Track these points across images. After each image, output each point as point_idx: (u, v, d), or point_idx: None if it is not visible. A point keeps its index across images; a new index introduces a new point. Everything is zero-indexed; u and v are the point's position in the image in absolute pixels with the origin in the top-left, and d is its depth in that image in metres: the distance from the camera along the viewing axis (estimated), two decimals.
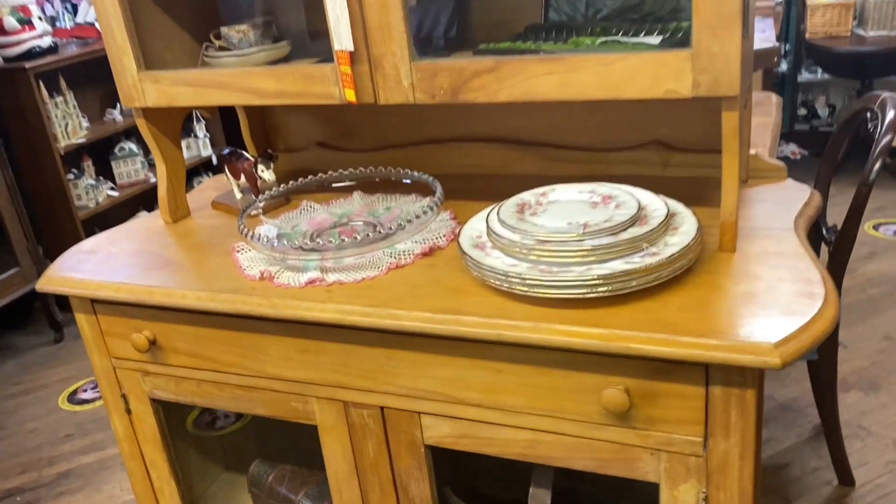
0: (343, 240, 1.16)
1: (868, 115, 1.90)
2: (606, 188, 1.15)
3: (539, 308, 1.00)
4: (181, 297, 1.17)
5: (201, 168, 3.96)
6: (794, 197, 1.24)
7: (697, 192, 1.31)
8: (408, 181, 1.38)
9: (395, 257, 1.18)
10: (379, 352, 1.11)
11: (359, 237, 1.13)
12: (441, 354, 1.07)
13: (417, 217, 1.16)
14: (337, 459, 1.23)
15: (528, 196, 1.16)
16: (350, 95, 1.17)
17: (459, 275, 1.11)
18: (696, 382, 0.94)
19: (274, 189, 1.40)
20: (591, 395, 1.00)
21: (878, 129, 1.79)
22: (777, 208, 1.20)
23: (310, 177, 1.42)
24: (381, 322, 1.05)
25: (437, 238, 1.23)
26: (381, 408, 1.15)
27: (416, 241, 1.21)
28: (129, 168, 3.51)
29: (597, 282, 0.96)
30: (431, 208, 1.19)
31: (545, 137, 1.45)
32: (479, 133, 1.50)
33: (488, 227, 1.09)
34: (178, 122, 1.43)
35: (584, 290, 0.97)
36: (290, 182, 1.41)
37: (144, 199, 3.60)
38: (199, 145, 3.81)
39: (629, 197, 1.11)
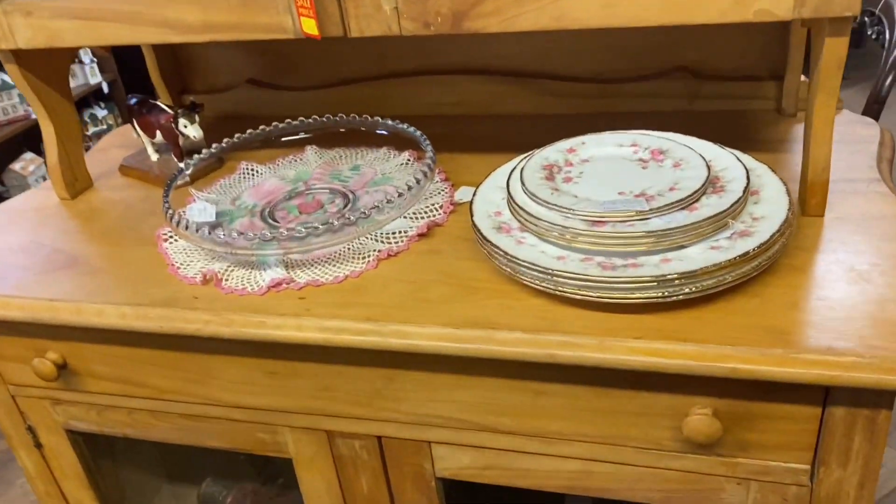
0: (307, 220, 0.87)
1: (867, 19, 1.69)
2: (652, 139, 0.89)
3: (596, 314, 0.74)
4: (96, 313, 0.87)
5: (91, 98, 3.48)
6: (860, 134, 1.01)
7: (737, 130, 1.06)
8: (382, 132, 1.08)
9: (384, 242, 0.90)
10: (375, 373, 0.84)
11: (329, 214, 0.84)
12: (461, 374, 0.81)
13: (409, 188, 0.88)
14: (320, 495, 0.97)
15: (552, 154, 0.89)
16: (310, 27, 0.85)
17: (472, 264, 0.84)
18: (810, 402, 0.72)
19: (204, 151, 1.08)
20: (666, 419, 0.77)
21: (889, 39, 1.59)
22: (848, 151, 0.97)
23: (250, 131, 1.10)
24: (384, 342, 0.78)
25: (432, 211, 0.95)
26: (379, 437, 0.89)
27: (407, 218, 0.93)
28: (5, 103, 3.01)
29: (679, 281, 0.71)
30: (425, 173, 0.91)
31: (542, 66, 1.17)
32: (458, 63, 1.20)
33: (512, 201, 0.82)
34: (64, 67, 1.07)
35: (662, 293, 0.72)
36: (226, 140, 1.09)
37: (29, 139, 3.12)
38: (86, 72, 3.32)
39: (686, 150, 0.86)
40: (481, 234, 0.81)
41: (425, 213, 0.95)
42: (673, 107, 1.14)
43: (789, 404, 0.73)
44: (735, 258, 0.71)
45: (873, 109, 1.51)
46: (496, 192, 0.89)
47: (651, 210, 0.76)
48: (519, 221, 0.81)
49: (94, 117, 3.43)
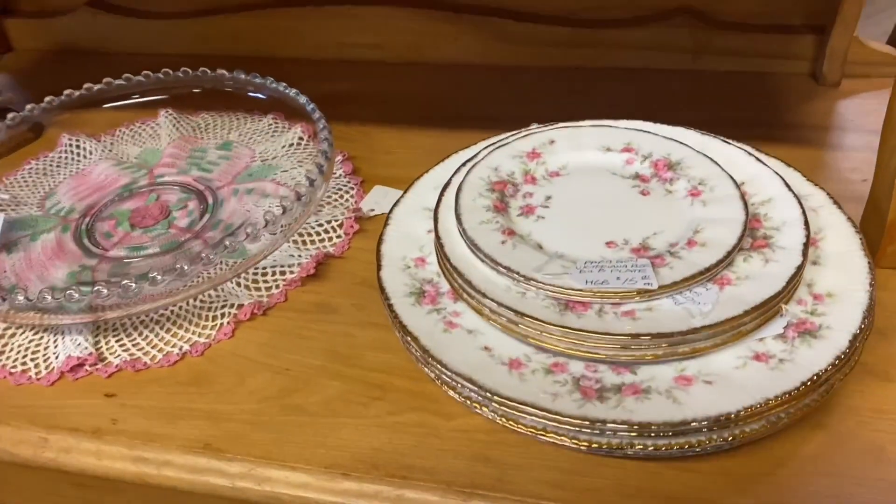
0: (139, 242, 0.56)
1: None
2: (656, 142, 0.59)
3: (573, 462, 0.47)
4: None
5: None
6: None
7: (753, 104, 0.77)
8: (260, 95, 0.76)
9: (246, 288, 0.60)
10: None
11: (173, 233, 0.53)
12: None
13: (299, 198, 0.57)
14: None
15: (505, 161, 0.59)
16: None
17: (380, 335, 0.55)
18: None
19: (11, 115, 0.74)
20: None
21: None
22: None
23: (84, 88, 0.76)
24: (230, 489, 0.49)
25: (326, 231, 0.65)
26: None
27: (285, 250, 0.62)
28: None
29: (709, 430, 0.43)
30: (311, 182, 0.60)
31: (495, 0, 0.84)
32: None
33: (441, 251, 0.53)
34: None
35: (681, 444, 0.44)
36: (47, 100, 0.75)
37: None
38: None
39: (706, 164, 0.57)
40: (391, 308, 0.51)
41: (315, 232, 0.65)
42: (671, 63, 0.83)
43: None
44: (799, 387, 0.44)
45: None
46: (419, 220, 0.59)
47: (662, 288, 0.47)
48: (451, 285, 0.52)
49: None
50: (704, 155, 0.57)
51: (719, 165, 0.56)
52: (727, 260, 0.49)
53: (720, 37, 0.81)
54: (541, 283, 0.48)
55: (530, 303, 0.48)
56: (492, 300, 0.48)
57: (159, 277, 0.52)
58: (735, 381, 0.45)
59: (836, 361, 0.45)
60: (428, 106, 0.82)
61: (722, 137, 0.61)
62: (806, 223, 0.51)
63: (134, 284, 0.52)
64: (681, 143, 0.59)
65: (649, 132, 0.60)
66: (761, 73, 0.81)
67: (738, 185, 0.54)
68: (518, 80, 0.84)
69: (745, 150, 0.59)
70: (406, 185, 0.69)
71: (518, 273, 0.48)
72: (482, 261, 0.50)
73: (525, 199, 0.56)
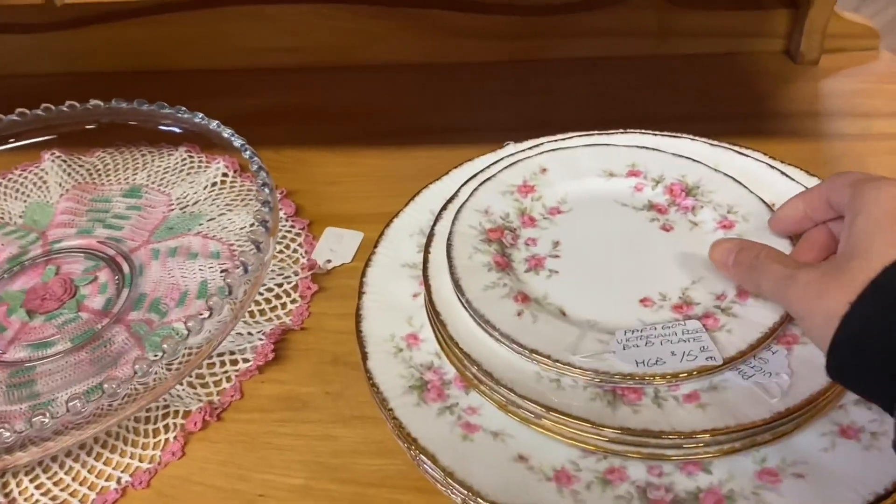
0: (43, 335, 0.44)
1: None
2: (663, 160, 0.50)
3: None
4: None
5: None
6: None
7: (720, 88, 0.69)
8: (174, 128, 0.62)
9: (194, 384, 0.48)
10: None
11: (87, 319, 0.41)
12: None
13: (244, 269, 0.45)
14: None
15: (492, 197, 0.49)
16: None
17: (362, 433, 0.45)
18: None
19: None
20: None
21: None
22: None
23: None
24: None
25: (278, 299, 0.53)
26: None
27: (235, 334, 0.51)
28: None
29: None
30: (258, 245, 0.48)
31: None
32: None
33: (442, 329, 0.42)
34: None
35: None
36: None
37: None
38: None
39: (728, 185, 0.48)
40: (394, 416, 0.41)
41: (264, 300, 0.53)
42: (635, 49, 0.74)
43: None
44: None
45: None
46: (400, 283, 0.48)
47: (728, 361, 0.38)
48: (461, 373, 0.42)
49: None
50: (724, 174, 0.49)
51: (745, 186, 0.48)
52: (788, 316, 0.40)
53: (687, 17, 0.72)
54: (582, 368, 0.38)
55: (570, 394, 0.38)
56: (522, 396, 0.38)
57: (79, 405, 0.40)
58: (827, 467, 0.37)
59: None
60: (368, 119, 0.70)
61: (735, 147, 0.52)
62: None
63: (47, 419, 0.40)
64: (692, 160, 0.50)
65: (654, 149, 0.51)
66: (733, 54, 0.73)
67: (768, 207, 0.46)
68: (466, 79, 0.74)
69: (765, 162, 0.51)
70: (362, 224, 0.59)
71: (550, 358, 0.39)
72: (500, 341, 0.40)
73: (528, 248, 0.47)
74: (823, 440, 0.38)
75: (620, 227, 0.48)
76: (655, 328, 0.40)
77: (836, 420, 0.39)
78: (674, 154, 0.51)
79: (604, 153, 0.52)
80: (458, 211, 0.48)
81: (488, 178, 0.50)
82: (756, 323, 0.40)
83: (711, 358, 0.38)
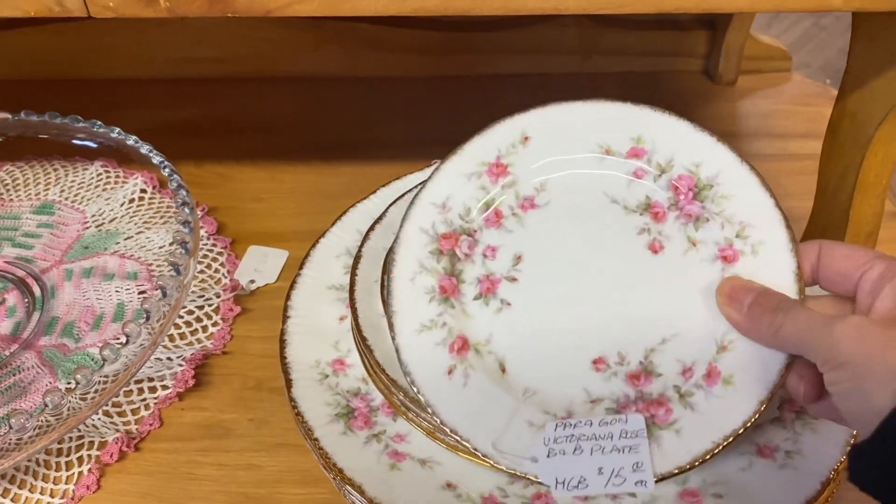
0: None
1: None
2: (673, 141, 0.42)
3: None
4: None
5: None
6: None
7: (660, 104, 0.71)
8: (89, 143, 0.60)
9: (111, 413, 0.46)
10: None
11: None
12: None
13: (149, 316, 0.44)
14: None
15: (453, 183, 0.42)
16: None
17: (300, 458, 0.44)
18: None
19: None
20: None
21: None
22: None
23: None
24: None
25: (199, 321, 0.52)
26: None
27: (154, 360, 0.49)
28: None
29: None
30: (177, 268, 0.46)
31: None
32: None
33: (369, 355, 0.42)
34: None
35: None
36: None
37: None
38: None
39: (743, 178, 0.40)
40: (319, 446, 0.40)
41: (184, 322, 0.52)
42: (561, 67, 0.75)
43: None
44: (818, 491, 0.38)
45: None
46: (327, 305, 0.47)
47: (661, 480, 0.36)
48: (389, 400, 0.41)
49: None
50: (749, 167, 0.40)
51: (771, 195, 0.39)
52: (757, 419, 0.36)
53: (610, 35, 0.74)
54: (499, 465, 0.37)
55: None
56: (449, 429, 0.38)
57: None
58: (745, 487, 0.38)
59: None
60: (292, 133, 0.69)
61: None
62: None
63: None
64: (715, 141, 0.41)
65: (630, 110, 0.42)
66: (655, 73, 0.75)
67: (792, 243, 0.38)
68: (393, 94, 0.73)
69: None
70: (287, 242, 0.58)
71: (470, 444, 0.37)
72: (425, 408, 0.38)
73: (485, 261, 0.42)
74: (742, 460, 0.39)
75: (600, 240, 0.41)
76: (591, 424, 0.37)
77: (754, 439, 0.40)
78: (692, 131, 0.42)
79: (605, 117, 0.42)
80: (411, 205, 0.42)
81: (455, 153, 0.43)
82: (712, 424, 0.36)
83: (641, 483, 0.36)
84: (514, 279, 0.42)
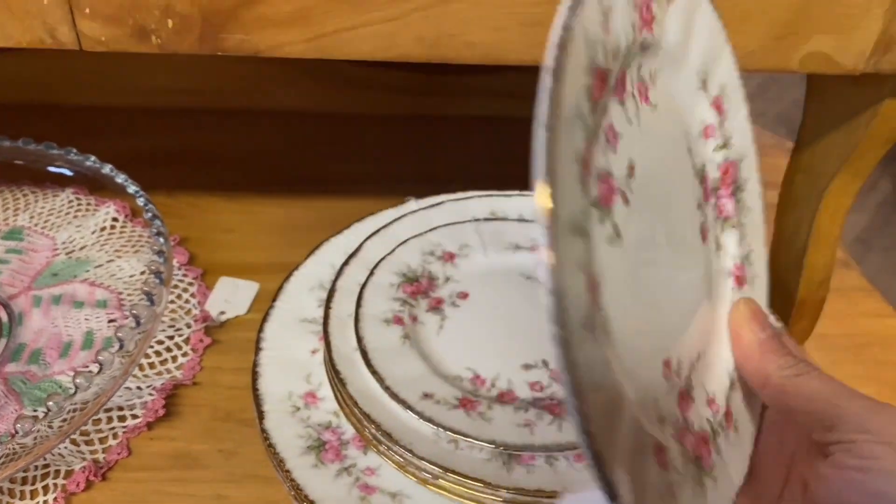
0: None
1: None
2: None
3: None
4: None
5: None
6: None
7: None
8: (64, 171, 0.60)
9: (78, 442, 0.46)
10: None
11: None
12: None
13: (136, 321, 0.44)
14: None
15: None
16: None
17: (269, 490, 0.44)
18: None
19: None
20: None
21: None
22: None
23: None
24: None
25: (169, 352, 0.52)
26: None
27: (124, 388, 0.49)
28: None
29: None
30: (150, 298, 0.47)
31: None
32: None
33: (342, 387, 0.42)
34: None
35: None
36: None
37: None
38: None
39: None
40: (291, 477, 0.40)
41: (154, 353, 0.52)
42: (530, 111, 0.77)
43: None
44: None
45: None
46: (299, 338, 0.48)
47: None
48: (360, 433, 0.42)
49: None
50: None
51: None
52: None
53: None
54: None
55: (467, 455, 0.39)
56: (420, 457, 0.39)
57: None
58: None
59: None
60: (266, 166, 0.70)
61: None
62: None
63: None
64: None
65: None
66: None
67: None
68: (366, 131, 0.75)
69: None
70: (257, 274, 0.59)
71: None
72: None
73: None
74: None
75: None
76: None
77: None
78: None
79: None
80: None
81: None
82: (732, 478, 0.29)
83: None
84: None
